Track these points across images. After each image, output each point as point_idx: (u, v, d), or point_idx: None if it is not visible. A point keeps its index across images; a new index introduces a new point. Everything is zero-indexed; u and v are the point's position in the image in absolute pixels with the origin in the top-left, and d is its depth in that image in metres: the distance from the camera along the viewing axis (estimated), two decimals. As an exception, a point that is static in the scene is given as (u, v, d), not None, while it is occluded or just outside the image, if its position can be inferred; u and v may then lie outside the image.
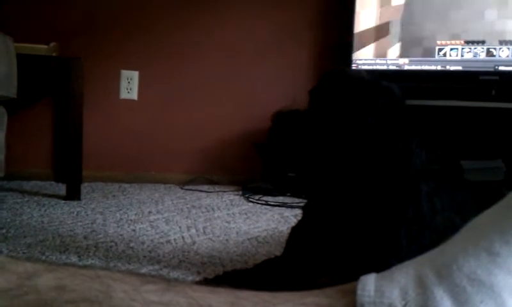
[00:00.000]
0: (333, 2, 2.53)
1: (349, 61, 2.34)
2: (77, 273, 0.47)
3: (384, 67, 2.30)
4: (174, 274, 1.22)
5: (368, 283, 0.45)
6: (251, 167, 2.47)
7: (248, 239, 1.55)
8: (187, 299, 0.44)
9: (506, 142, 2.18)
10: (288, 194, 2.27)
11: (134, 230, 1.61)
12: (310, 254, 1.05)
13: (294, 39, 2.56)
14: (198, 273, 1.23)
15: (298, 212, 1.93)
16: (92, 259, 1.32)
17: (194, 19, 2.55)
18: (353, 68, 2.33)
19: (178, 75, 2.57)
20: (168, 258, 1.35)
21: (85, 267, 0.59)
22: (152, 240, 1.50)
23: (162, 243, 1.48)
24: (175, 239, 1.53)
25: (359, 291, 0.44)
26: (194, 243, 1.49)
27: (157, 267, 1.27)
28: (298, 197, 2.21)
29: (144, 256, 1.36)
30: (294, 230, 1.11)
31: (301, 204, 1.99)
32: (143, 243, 1.47)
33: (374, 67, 2.31)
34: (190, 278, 1.19)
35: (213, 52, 2.56)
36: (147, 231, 1.61)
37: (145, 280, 0.47)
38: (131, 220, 1.74)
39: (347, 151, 0.95)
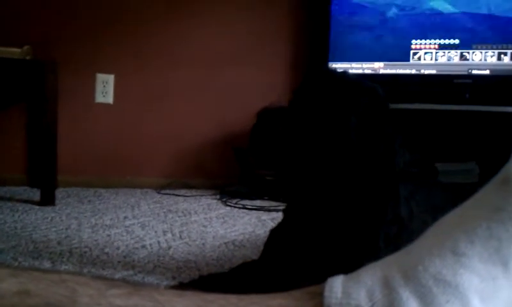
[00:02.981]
0: (309, 7, 2.54)
1: (325, 64, 2.35)
2: (42, 277, 0.46)
3: (360, 71, 2.31)
4: (149, 279, 1.21)
5: (335, 285, 0.45)
6: (228, 171, 2.47)
7: (225, 243, 1.54)
8: (153, 302, 0.44)
9: (479, 144, 2.21)
10: (266, 198, 2.27)
11: (109, 235, 1.59)
12: (288, 257, 1.05)
13: (271, 44, 2.57)
14: (173, 278, 1.22)
15: (276, 215, 1.94)
16: (66, 265, 1.30)
17: (172, 24, 2.54)
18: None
19: (154, 79, 2.55)
20: (142, 263, 1.34)
21: (50, 271, 0.58)
22: (126, 245, 1.49)
23: (137, 248, 1.47)
24: (150, 244, 1.51)
25: (326, 293, 0.44)
26: (169, 247, 1.48)
27: (131, 272, 1.26)
28: (276, 200, 2.21)
29: (119, 262, 1.34)
30: (273, 233, 1.11)
31: (279, 208, 2.00)
32: (117, 248, 1.46)
33: (350, 71, 2.33)
34: (165, 283, 1.18)
35: (190, 56, 2.55)
36: (122, 236, 1.59)
37: (111, 284, 0.46)
38: (106, 225, 1.72)
39: (330, 151, 0.95)
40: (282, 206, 2.08)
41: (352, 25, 2.34)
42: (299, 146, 0.99)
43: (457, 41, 2.17)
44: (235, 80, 2.56)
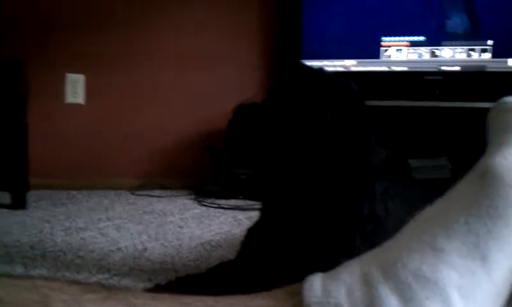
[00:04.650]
0: (282, 5, 2.54)
1: (298, 61, 2.35)
2: (13, 284, 0.45)
3: (332, 68, 2.32)
4: (125, 282, 1.19)
5: (315, 283, 0.45)
6: (203, 170, 2.46)
7: (201, 243, 1.53)
8: (128, 306, 0.43)
9: (451, 140, 2.24)
10: (241, 197, 2.26)
11: (83, 238, 1.57)
12: (265, 256, 1.04)
13: (244, 42, 2.56)
14: (150, 280, 1.20)
15: (252, 214, 1.94)
16: (39, 269, 1.27)
17: (144, 22, 2.52)
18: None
19: (127, 79, 2.52)
20: (118, 265, 1.32)
21: (22, 277, 0.56)
22: (101, 248, 1.46)
23: (112, 251, 1.45)
24: (125, 246, 1.49)
25: (305, 292, 0.44)
26: (145, 249, 1.46)
27: (107, 275, 1.24)
28: (251, 199, 2.20)
29: (94, 265, 1.32)
30: (250, 232, 1.10)
31: (254, 207, 2.00)
32: (92, 251, 1.43)
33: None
34: (141, 285, 1.16)
35: (163, 55, 2.53)
36: (97, 239, 1.57)
37: (85, 289, 0.45)
38: (80, 228, 1.70)
39: (305, 148, 0.94)
40: (257, 205, 2.08)
41: (324, 23, 2.34)
42: (274, 143, 0.98)
43: (426, 38, 2.19)
44: (209, 79, 2.55)
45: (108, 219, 1.83)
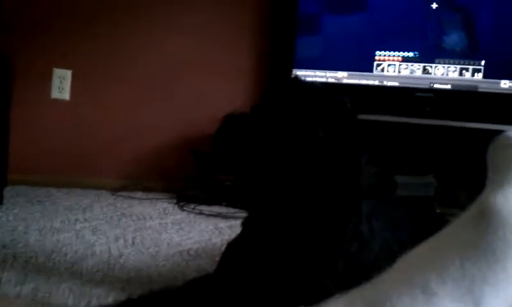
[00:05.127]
0: (274, 11, 2.50)
1: (289, 71, 2.32)
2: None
3: (324, 79, 2.29)
4: (96, 291, 1.14)
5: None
6: (187, 175, 2.40)
7: (179, 252, 1.49)
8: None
9: (438, 158, 2.22)
10: (224, 204, 2.21)
11: (57, 240, 1.51)
12: (244, 274, 1.00)
13: (234, 50, 2.51)
14: (122, 289, 1.15)
15: (234, 222, 1.89)
16: (8, 271, 1.22)
17: (133, 23, 2.46)
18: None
19: (114, 77, 2.47)
20: (91, 272, 1.27)
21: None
22: (75, 252, 1.41)
23: (86, 255, 1.40)
24: (100, 251, 1.44)
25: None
26: (121, 255, 1.41)
27: (78, 282, 1.19)
28: (234, 207, 2.16)
29: (66, 269, 1.27)
30: (230, 247, 1.06)
31: (237, 215, 1.96)
32: (65, 255, 1.38)
33: (314, 79, 2.31)
34: (113, 295, 1.12)
35: (152, 56, 2.48)
36: (71, 241, 1.51)
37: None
38: (55, 228, 1.64)
39: (293, 162, 0.90)
40: (240, 213, 2.05)
41: (319, 33, 2.31)
42: (261, 154, 0.94)
43: (419, 55, 2.17)
44: (198, 84, 2.50)
45: (85, 220, 1.78)
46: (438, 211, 2.06)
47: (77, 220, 1.77)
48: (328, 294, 1.01)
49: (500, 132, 1.98)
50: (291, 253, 0.99)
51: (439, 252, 0.45)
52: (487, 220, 0.44)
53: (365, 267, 1.09)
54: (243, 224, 1.06)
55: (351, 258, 1.03)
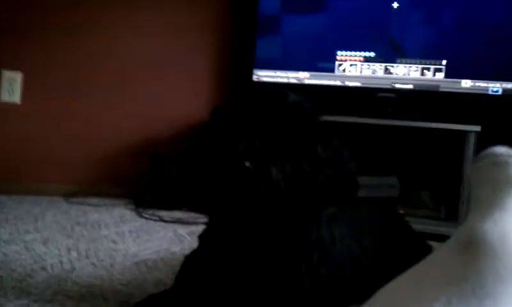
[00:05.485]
0: (235, 11, 2.44)
1: (250, 72, 2.27)
2: None
3: (285, 80, 2.25)
4: (45, 310, 1.06)
5: None
6: (144, 179, 2.32)
7: (136, 263, 1.41)
8: None
9: (401, 159, 2.20)
10: (185, 208, 2.15)
11: (5, 254, 1.41)
12: (202, 290, 0.94)
13: (194, 51, 2.44)
14: (74, 309, 1.08)
15: (194, 229, 1.83)
16: None
17: (90, 23, 2.37)
18: (254, 80, 2.26)
19: (67, 79, 2.37)
20: (40, 288, 1.18)
21: None
22: (24, 267, 1.32)
23: (36, 270, 1.30)
24: (51, 265, 1.35)
25: None
26: (73, 269, 1.33)
27: (25, 301, 1.10)
28: (194, 211, 2.09)
29: (13, 287, 1.18)
30: (188, 260, 1.00)
31: (197, 220, 1.89)
32: (13, 270, 1.28)
33: (275, 79, 2.26)
34: (63, 316, 1.04)
35: (108, 57, 2.39)
36: (20, 255, 1.42)
37: None
38: (3, 240, 1.54)
39: (246, 172, 0.85)
40: (201, 217, 1.98)
41: (279, 33, 2.27)
42: (216, 166, 0.88)
43: (381, 55, 2.15)
44: (155, 86, 2.42)
45: (36, 231, 1.68)
46: (401, 212, 2.06)
47: (27, 231, 1.67)
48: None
49: (463, 132, 1.97)
50: (250, 266, 0.94)
51: (423, 286, 0.40)
52: (475, 251, 0.39)
53: (328, 276, 1.05)
54: (200, 238, 1.00)
55: (312, 267, 0.99)
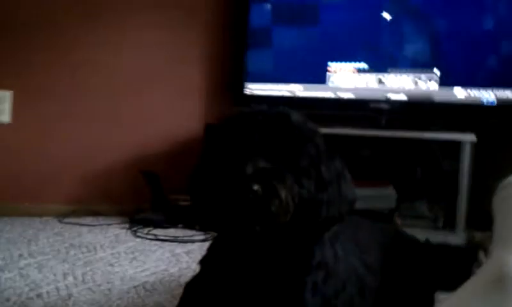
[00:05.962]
0: (225, 25, 2.42)
1: (241, 85, 2.25)
2: None
3: (277, 93, 2.23)
4: (43, 342, 1.03)
5: None
6: (139, 197, 2.29)
7: (134, 287, 1.38)
8: None
9: (397, 170, 2.19)
10: (181, 226, 2.12)
11: (-2, 281, 1.38)
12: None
13: (185, 66, 2.40)
14: (73, 339, 1.05)
15: (191, 247, 1.80)
16: None
17: (79, 39, 2.33)
18: (246, 93, 2.25)
19: (58, 97, 2.33)
20: (37, 319, 1.16)
21: None
22: (19, 295, 1.29)
23: (31, 298, 1.27)
24: (47, 291, 1.32)
25: None
26: (70, 296, 1.29)
27: (22, 332, 1.08)
28: (191, 229, 2.07)
29: (9, 317, 1.15)
30: (189, 288, 0.98)
31: (194, 238, 1.87)
32: (8, 300, 1.25)
33: (267, 93, 2.24)
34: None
35: (99, 75, 2.35)
36: (15, 282, 1.38)
37: None
38: (-3, 267, 1.51)
39: (260, 197, 0.83)
40: (198, 235, 1.96)
41: (270, 46, 2.26)
42: (222, 188, 0.86)
43: (373, 65, 2.15)
44: (148, 102, 2.39)
45: (30, 255, 1.64)
46: (398, 222, 2.05)
47: (21, 255, 1.64)
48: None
49: (458, 142, 1.96)
50: (254, 290, 0.92)
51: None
52: (504, 287, 0.37)
53: (334, 296, 1.03)
54: (202, 263, 0.98)
55: (317, 288, 0.98)
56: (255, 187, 0.80)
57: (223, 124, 0.95)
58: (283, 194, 0.82)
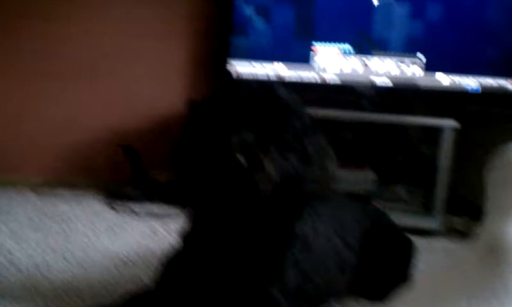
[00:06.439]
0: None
1: (225, 62, 2.22)
2: None
3: (262, 71, 2.21)
4: (17, 311, 1.01)
5: None
6: (117, 171, 2.25)
7: (110, 259, 1.36)
8: None
9: (378, 153, 2.20)
10: (159, 202, 2.09)
11: (-29, 251, 1.35)
12: (189, 291, 0.91)
13: (167, 40, 2.35)
14: (48, 308, 1.03)
15: (170, 224, 1.77)
16: None
17: (59, 11, 2.27)
18: (229, 70, 2.22)
19: (36, 63, 2.27)
20: (12, 289, 1.13)
21: None
22: (-7, 265, 1.26)
23: (6, 268, 1.25)
24: (23, 262, 1.29)
25: None
26: (46, 267, 1.27)
27: (-5, 302, 1.05)
28: (170, 205, 2.05)
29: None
30: (171, 262, 0.96)
31: (173, 215, 1.85)
32: (-20, 268, 1.23)
33: (252, 70, 2.22)
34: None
35: (81, 47, 2.29)
36: (-13, 251, 1.35)
37: None
38: (-31, 236, 1.47)
39: (227, 169, 0.81)
40: (175, 212, 1.94)
41: (255, 23, 2.23)
42: (207, 160, 0.85)
43: (358, 47, 2.14)
44: (129, 76, 2.33)
45: (4, 224, 1.61)
46: (378, 206, 2.06)
47: (-6, 225, 1.60)
48: (277, 306, 0.95)
49: (439, 128, 1.97)
50: (234, 264, 0.92)
51: (444, 293, 0.37)
52: (499, 255, 0.37)
53: (313, 272, 1.03)
54: (183, 239, 0.97)
55: (297, 262, 0.98)
56: (240, 158, 0.78)
57: (208, 97, 0.94)
58: (267, 166, 0.81)
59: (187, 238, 0.95)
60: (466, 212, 1.96)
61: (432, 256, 1.46)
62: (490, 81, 2.00)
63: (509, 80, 1.99)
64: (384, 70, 2.11)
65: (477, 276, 0.37)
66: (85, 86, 2.31)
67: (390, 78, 2.11)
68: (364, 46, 2.14)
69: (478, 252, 0.39)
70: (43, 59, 2.27)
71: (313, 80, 2.18)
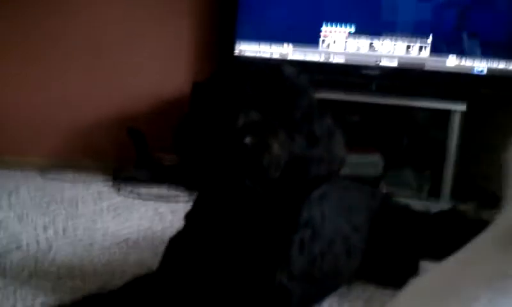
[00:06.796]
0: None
1: (232, 43, 2.20)
2: None
3: (268, 55, 2.19)
4: (22, 293, 1.01)
5: None
6: (123, 154, 2.24)
7: (116, 243, 1.36)
8: None
9: (385, 137, 2.17)
10: (165, 185, 2.08)
11: (-23, 232, 1.35)
12: (190, 272, 0.90)
13: (173, 22, 2.33)
14: (53, 291, 1.02)
15: (175, 207, 1.77)
16: None
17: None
18: (236, 53, 2.20)
19: (41, 44, 2.25)
20: (16, 269, 1.13)
21: None
22: (-2, 246, 1.26)
23: (11, 249, 1.25)
24: (27, 243, 1.30)
25: None
26: (50, 249, 1.27)
27: (0, 281, 1.05)
28: (175, 188, 2.04)
29: (-14, 268, 1.12)
30: (173, 243, 0.95)
31: (179, 198, 1.84)
32: (-14, 250, 1.23)
33: (258, 54, 2.20)
34: (41, 298, 0.99)
35: (85, 27, 2.27)
36: (-6, 233, 1.35)
37: None
38: (-25, 218, 1.47)
39: (234, 151, 0.80)
40: (182, 195, 1.93)
41: (262, 3, 2.20)
42: (213, 140, 0.83)
43: (366, 29, 2.11)
44: (134, 59, 2.31)
45: (10, 208, 1.61)
46: (384, 190, 2.04)
47: (0, 207, 1.60)
48: (284, 291, 0.94)
49: (447, 111, 1.95)
50: (240, 247, 0.91)
51: (462, 280, 0.36)
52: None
53: (320, 256, 1.02)
54: (187, 218, 0.95)
55: (304, 246, 0.97)
56: (247, 140, 0.77)
57: (214, 76, 0.92)
58: (275, 147, 0.79)
59: (192, 221, 0.94)
60: (474, 196, 1.93)
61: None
62: (498, 64, 1.96)
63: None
64: (391, 51, 2.08)
65: (496, 265, 0.36)
66: (90, 68, 2.29)
67: (398, 59, 2.08)
68: (372, 27, 2.11)
69: (498, 240, 0.38)
70: (49, 41, 2.26)
71: (320, 63, 2.15)
